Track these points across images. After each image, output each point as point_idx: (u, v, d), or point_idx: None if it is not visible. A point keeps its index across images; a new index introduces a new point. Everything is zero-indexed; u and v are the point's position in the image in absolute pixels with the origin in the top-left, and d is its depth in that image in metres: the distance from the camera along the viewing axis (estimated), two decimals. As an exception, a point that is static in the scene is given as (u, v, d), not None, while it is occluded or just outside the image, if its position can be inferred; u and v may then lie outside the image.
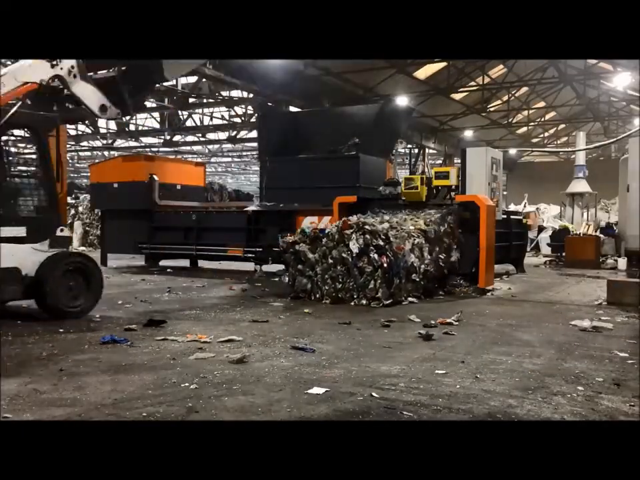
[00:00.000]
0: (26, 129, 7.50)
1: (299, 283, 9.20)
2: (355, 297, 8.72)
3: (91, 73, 7.82)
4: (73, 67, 7.35)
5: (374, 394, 4.23)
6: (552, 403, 4.10)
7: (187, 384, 4.44)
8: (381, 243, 8.76)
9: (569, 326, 7.20)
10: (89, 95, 7.62)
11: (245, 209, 14.45)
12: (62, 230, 7.46)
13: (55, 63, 7.25)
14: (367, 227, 8.97)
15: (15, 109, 6.70)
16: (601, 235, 17.91)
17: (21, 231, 6.97)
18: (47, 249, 7.19)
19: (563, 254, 17.36)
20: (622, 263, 14.89)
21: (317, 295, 8.99)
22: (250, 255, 13.30)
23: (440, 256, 9.92)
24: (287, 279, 9.46)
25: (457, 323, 7.17)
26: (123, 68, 7.89)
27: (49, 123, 7.49)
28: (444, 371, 4.91)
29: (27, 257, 6.98)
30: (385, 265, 8.60)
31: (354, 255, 8.76)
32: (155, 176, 14.19)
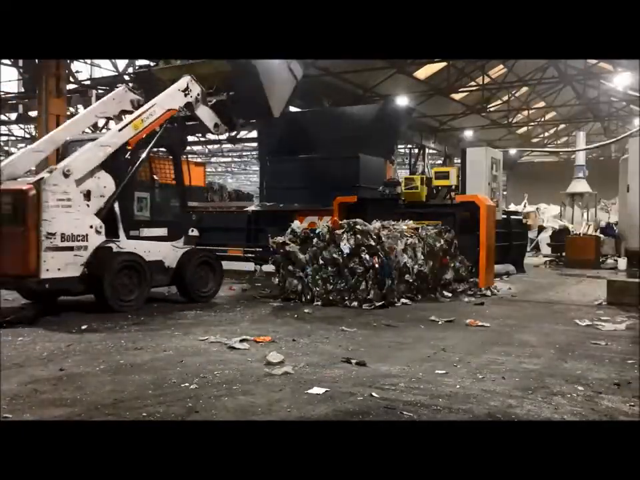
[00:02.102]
0: (167, 149, 9.36)
1: (289, 284, 9.08)
2: (347, 298, 8.58)
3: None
4: (198, 94, 9.17)
5: (374, 394, 4.22)
6: (552, 403, 4.10)
7: (187, 384, 4.44)
8: (373, 243, 8.66)
9: (569, 326, 7.20)
10: (207, 116, 9.45)
11: (245, 209, 14.45)
12: (192, 230, 9.17)
13: (187, 92, 9.01)
14: (358, 226, 8.86)
15: (159, 133, 8.62)
16: (601, 235, 17.92)
17: (163, 232, 8.75)
18: (182, 245, 8.94)
19: (563, 254, 17.36)
20: (622, 263, 14.88)
21: (308, 297, 8.84)
22: (250, 255, 13.29)
23: (434, 271, 9.82)
24: (277, 280, 9.33)
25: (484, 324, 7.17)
26: (231, 93, 9.68)
27: (182, 145, 9.81)
28: (444, 371, 4.91)
29: (169, 252, 8.70)
30: (377, 265, 8.50)
31: (345, 256, 8.63)
32: (154, 176, 14.16)
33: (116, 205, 8.01)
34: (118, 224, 8.02)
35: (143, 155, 8.41)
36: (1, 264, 7.16)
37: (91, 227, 7.65)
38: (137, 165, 8.32)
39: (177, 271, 8.73)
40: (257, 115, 10.67)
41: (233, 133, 27.25)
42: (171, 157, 9.30)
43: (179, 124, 9.29)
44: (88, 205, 7.67)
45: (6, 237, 7.15)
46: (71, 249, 7.39)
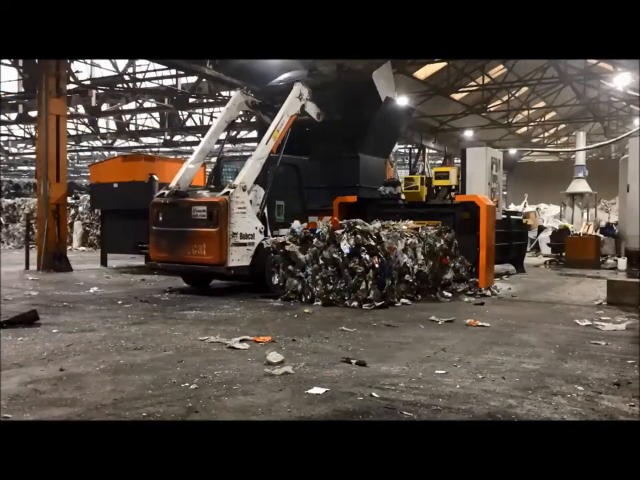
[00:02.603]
0: (293, 167, 11.07)
1: (289, 284, 9.08)
2: (347, 298, 8.58)
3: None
4: (308, 95, 11.27)
5: (374, 394, 4.22)
6: (552, 403, 4.10)
7: (187, 384, 4.44)
8: (373, 243, 8.66)
9: (569, 326, 7.20)
10: (312, 110, 11.55)
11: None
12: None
13: (300, 97, 11.11)
14: (358, 226, 8.86)
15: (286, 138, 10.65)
16: (601, 235, 17.92)
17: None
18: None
19: (563, 254, 17.37)
20: (622, 262, 14.89)
21: (308, 297, 8.84)
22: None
23: (434, 271, 9.81)
24: (277, 280, 9.34)
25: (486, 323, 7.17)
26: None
27: (305, 163, 11.42)
28: (444, 371, 4.91)
29: None
30: (377, 265, 8.49)
31: (345, 256, 8.63)
32: (154, 176, 14.19)
33: (266, 211, 10.16)
34: (267, 225, 10.12)
35: (278, 164, 10.33)
36: (200, 256, 9.46)
37: (256, 227, 9.78)
38: (272, 176, 10.23)
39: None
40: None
41: (231, 135, 27.34)
42: (297, 173, 11.16)
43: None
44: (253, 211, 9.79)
45: (204, 235, 9.43)
46: (244, 244, 9.56)
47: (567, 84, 26.31)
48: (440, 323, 7.27)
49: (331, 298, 8.66)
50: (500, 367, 5.11)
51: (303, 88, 11.13)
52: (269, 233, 10.13)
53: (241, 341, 5.94)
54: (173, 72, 20.47)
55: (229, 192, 9.48)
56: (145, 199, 14.06)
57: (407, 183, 11.69)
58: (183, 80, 21.66)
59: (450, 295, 9.74)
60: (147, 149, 32.37)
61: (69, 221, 21.18)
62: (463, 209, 11.09)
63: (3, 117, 25.45)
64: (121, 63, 20.21)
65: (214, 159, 40.80)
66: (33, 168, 34.35)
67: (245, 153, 35.88)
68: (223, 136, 12.45)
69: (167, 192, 10.28)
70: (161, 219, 10.05)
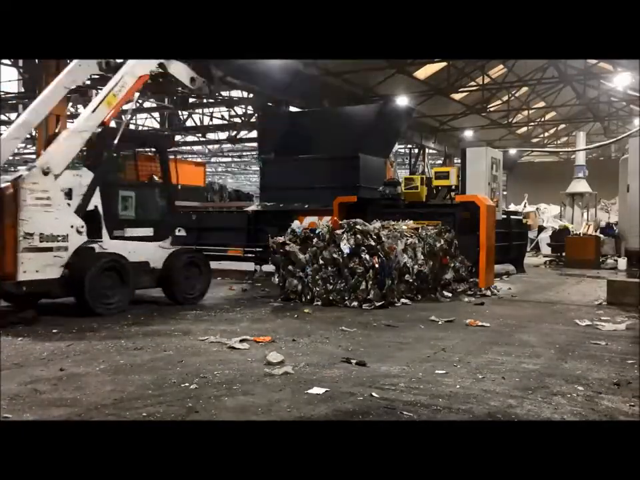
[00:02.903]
0: (153, 147, 9.23)
1: (289, 284, 9.07)
2: (347, 298, 8.58)
3: None
4: None
5: (374, 394, 4.22)
6: (552, 403, 4.10)
7: (187, 384, 4.44)
8: (373, 243, 8.66)
9: (569, 326, 7.20)
10: (181, 72, 8.96)
11: (245, 209, 14.45)
12: (180, 230, 8.93)
13: None
14: (358, 226, 8.86)
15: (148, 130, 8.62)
16: (601, 235, 17.91)
17: (149, 231, 8.54)
18: (169, 246, 8.70)
19: (563, 254, 17.37)
20: (622, 263, 14.89)
21: (308, 297, 8.84)
22: (250, 255, 13.29)
23: (434, 271, 9.81)
24: (277, 280, 9.33)
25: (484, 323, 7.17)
26: None
27: (168, 143, 9.56)
28: (444, 371, 4.91)
29: (155, 253, 8.46)
30: (377, 265, 8.49)
31: (345, 256, 8.63)
32: (154, 176, 14.18)
33: (99, 204, 7.76)
34: (101, 224, 7.79)
35: (115, 141, 7.90)
36: None
37: (72, 226, 7.40)
38: (107, 156, 7.95)
39: (163, 272, 8.49)
40: None
41: (231, 135, 27.34)
42: (158, 155, 9.10)
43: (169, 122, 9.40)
44: (69, 204, 7.43)
45: None
46: (49, 250, 7.15)
47: (567, 84, 26.30)
48: (440, 322, 7.27)
49: (330, 298, 8.67)
50: (500, 367, 5.11)
51: None
52: (106, 234, 7.86)
53: (241, 341, 5.94)
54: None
55: (20, 176, 7.10)
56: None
57: (407, 182, 11.69)
58: (182, 80, 21.61)
59: (450, 295, 9.74)
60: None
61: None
62: (463, 209, 11.09)
63: (3, 117, 25.44)
64: (121, 63, 20.18)
65: (214, 159, 40.56)
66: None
67: (245, 153, 35.93)
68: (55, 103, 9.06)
69: None
70: None
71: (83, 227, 7.50)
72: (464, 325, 7.18)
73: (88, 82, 20.57)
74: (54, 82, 8.27)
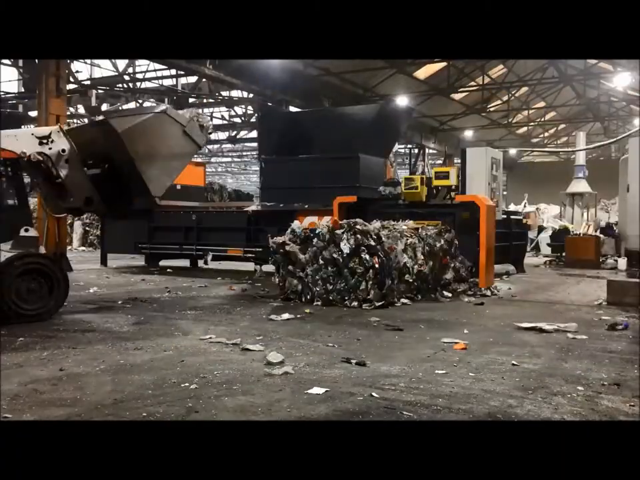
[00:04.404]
0: None
1: (289, 284, 9.06)
2: (347, 298, 8.57)
3: None
4: (64, 151, 7.55)
5: (374, 394, 4.22)
6: (552, 403, 4.10)
7: (187, 384, 4.44)
8: (373, 243, 8.65)
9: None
10: (75, 185, 7.72)
11: (245, 209, 14.45)
12: (27, 230, 7.34)
13: (45, 141, 7.44)
14: (358, 226, 8.85)
15: None
16: (601, 235, 17.92)
17: None
18: (8, 249, 7.08)
19: (563, 254, 17.37)
20: (622, 263, 14.88)
21: (308, 297, 8.83)
22: (250, 255, 13.30)
23: (434, 271, 9.80)
24: (277, 280, 9.31)
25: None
26: (106, 166, 7.98)
27: (15, 120, 7.66)
28: (444, 371, 4.91)
29: None
30: (377, 265, 8.48)
31: (345, 256, 8.62)
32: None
33: None
34: None
35: None
36: None
37: None
38: None
39: None
40: (133, 199, 8.56)
41: (231, 135, 27.33)
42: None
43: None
44: None
45: None
46: None
47: (566, 84, 26.31)
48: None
49: (330, 298, 8.67)
50: (500, 367, 5.11)
51: (57, 135, 7.65)
52: None
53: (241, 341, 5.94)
54: (173, 72, 20.47)
55: None
56: (144, 199, 14.06)
57: (407, 182, 11.69)
58: (183, 80, 21.65)
59: (450, 295, 9.73)
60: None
61: (69, 221, 21.17)
62: (463, 209, 11.09)
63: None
64: (121, 63, 20.21)
65: (214, 159, 40.66)
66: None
67: (244, 153, 35.92)
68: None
69: None
70: None
71: None
72: (464, 324, 7.17)
73: (88, 82, 20.62)
74: None
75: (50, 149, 7.45)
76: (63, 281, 7.41)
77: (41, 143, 7.42)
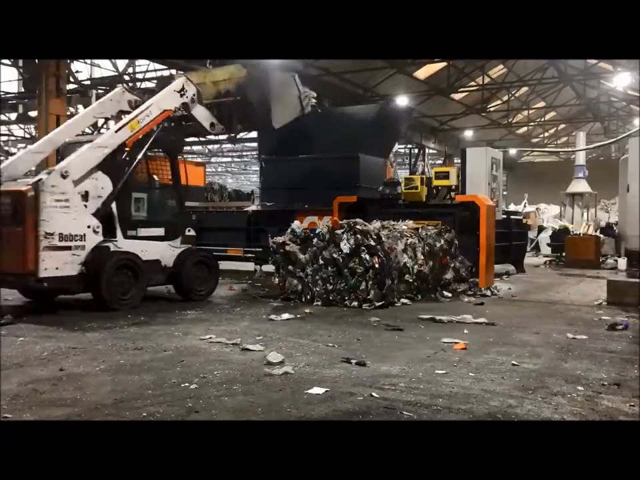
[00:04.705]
0: (163, 150, 9.58)
1: (289, 284, 9.07)
2: (347, 298, 8.57)
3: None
4: (194, 95, 9.41)
5: (374, 394, 4.22)
6: (552, 403, 4.10)
7: (187, 384, 4.44)
8: (373, 243, 8.65)
9: (569, 326, 7.20)
10: (203, 115, 9.61)
11: (245, 209, 14.44)
12: (189, 230, 9.37)
13: (183, 92, 9.25)
14: (358, 226, 8.85)
15: (155, 134, 8.80)
16: (601, 235, 17.92)
17: (160, 231, 9.06)
18: (179, 245, 9.15)
19: (563, 254, 17.37)
20: (622, 263, 14.89)
21: (308, 297, 8.83)
22: (250, 255, 13.29)
23: (434, 271, 9.80)
24: (277, 280, 9.32)
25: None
26: (238, 98, 9.71)
27: (178, 145, 10.17)
28: (444, 371, 4.91)
29: (166, 252, 8.94)
30: (377, 265, 8.48)
31: (345, 256, 8.62)
32: (154, 176, 14.17)
33: (113, 206, 8.18)
34: (115, 224, 8.21)
35: (139, 156, 8.69)
36: (1, 263, 7.37)
37: (89, 226, 7.83)
38: (133, 165, 8.59)
39: (173, 269, 8.93)
40: (258, 123, 11.01)
41: (233, 134, 27.30)
42: (168, 158, 9.60)
43: (175, 124, 9.50)
44: (86, 206, 7.85)
45: (6, 236, 7.36)
46: (68, 248, 7.56)
47: (566, 84, 26.30)
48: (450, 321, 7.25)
49: (330, 298, 8.67)
50: (500, 367, 5.11)
51: (187, 84, 9.34)
52: (119, 234, 8.27)
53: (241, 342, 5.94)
54: (173, 72, 20.46)
55: (40, 179, 7.47)
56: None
57: (407, 182, 11.69)
58: (182, 80, 21.62)
59: (450, 295, 9.73)
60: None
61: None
62: (463, 209, 11.09)
63: (3, 117, 25.43)
64: (121, 63, 20.21)
65: (214, 159, 40.62)
66: (33, 168, 34.29)
67: (244, 153, 35.93)
68: (86, 129, 10.92)
69: None
70: None
71: (98, 227, 7.94)
72: (464, 324, 7.18)
73: (88, 82, 20.62)
74: (86, 110, 9.78)
75: (187, 97, 9.30)
76: (216, 269, 9.68)
77: (181, 96, 9.24)
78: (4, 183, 7.83)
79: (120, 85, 10.66)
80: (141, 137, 8.53)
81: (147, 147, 8.69)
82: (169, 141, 9.48)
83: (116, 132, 8.39)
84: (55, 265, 7.42)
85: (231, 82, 9.78)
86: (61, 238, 7.48)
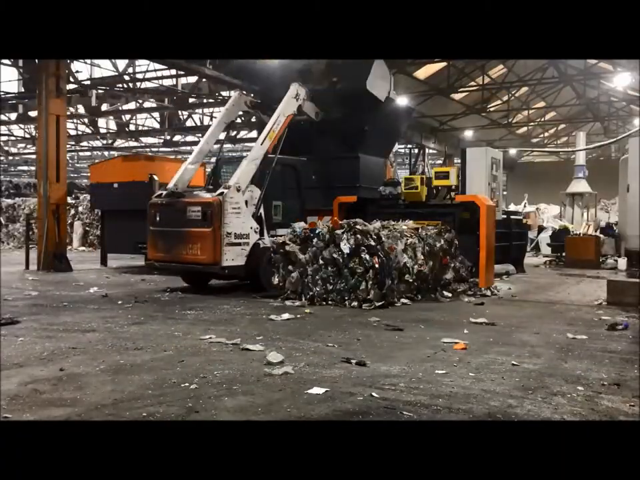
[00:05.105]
0: (291, 168, 11.24)
1: (289, 284, 9.08)
2: (347, 298, 8.57)
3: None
4: (305, 95, 11.29)
5: (374, 394, 4.22)
6: (552, 403, 4.10)
7: (187, 384, 4.44)
8: (373, 243, 8.64)
9: (569, 326, 7.20)
10: (310, 109, 11.66)
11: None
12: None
13: (297, 97, 11.11)
14: (358, 226, 8.84)
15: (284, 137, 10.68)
16: (601, 235, 17.92)
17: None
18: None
19: (563, 254, 17.37)
20: (622, 263, 14.89)
21: (308, 297, 8.83)
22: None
23: (434, 271, 9.79)
24: (277, 280, 9.34)
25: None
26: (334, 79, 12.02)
27: (303, 164, 11.53)
28: (444, 371, 4.91)
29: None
30: (377, 265, 8.47)
31: (345, 256, 8.63)
32: (154, 176, 14.19)
33: (262, 211, 10.13)
34: (263, 226, 10.14)
35: (273, 164, 10.38)
36: (195, 255, 9.62)
37: (251, 227, 9.85)
38: (269, 173, 10.27)
39: None
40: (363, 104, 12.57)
41: (233, 133, 27.32)
42: (295, 174, 11.28)
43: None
44: (248, 212, 9.85)
45: (198, 235, 9.57)
46: (239, 244, 9.65)
47: (566, 84, 26.32)
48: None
49: (331, 298, 8.66)
50: (500, 367, 5.11)
51: (299, 88, 11.14)
52: (266, 233, 10.17)
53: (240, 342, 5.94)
54: (173, 72, 20.48)
55: (223, 192, 9.59)
56: (145, 199, 14.06)
57: (407, 182, 11.69)
58: (183, 80, 21.66)
59: (450, 295, 9.72)
60: (147, 149, 32.39)
61: (69, 221, 21.17)
62: (463, 209, 11.09)
63: (3, 117, 25.44)
64: (121, 63, 20.22)
65: (213, 159, 40.83)
66: (33, 168, 34.39)
67: (244, 154, 35.96)
68: (222, 136, 12.61)
69: (164, 192, 10.48)
70: (158, 219, 10.21)
71: (257, 228, 9.96)
72: (464, 324, 7.18)
73: (88, 82, 20.62)
74: (217, 119, 11.88)
75: (301, 99, 11.26)
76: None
77: (297, 100, 11.17)
78: (192, 194, 10.26)
79: (236, 90, 12.39)
80: (276, 142, 10.42)
81: (276, 157, 10.40)
82: (297, 161, 11.29)
83: (261, 144, 10.27)
84: (232, 257, 9.52)
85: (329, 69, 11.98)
86: (236, 236, 9.61)
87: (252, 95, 12.03)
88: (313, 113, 11.67)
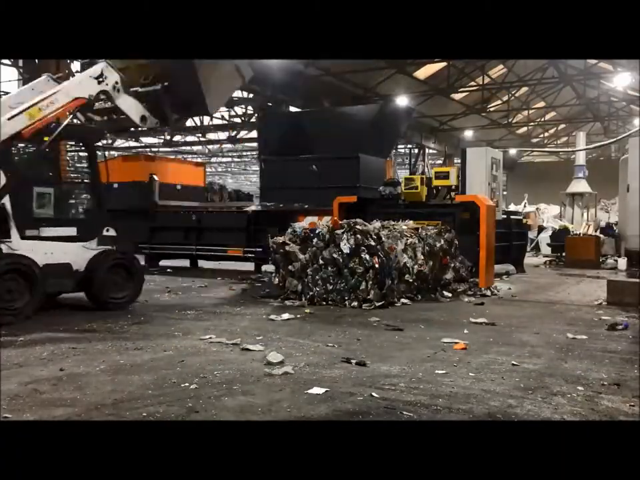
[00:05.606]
0: (78, 141, 8.74)
1: (289, 284, 9.06)
2: (347, 298, 8.56)
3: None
4: (117, 82, 8.09)
5: (374, 394, 4.22)
6: (552, 403, 4.10)
7: (187, 384, 4.44)
8: (373, 243, 8.64)
9: (569, 326, 7.20)
10: (131, 107, 8.35)
11: (245, 209, 14.45)
12: (108, 230, 8.16)
13: (100, 79, 7.94)
14: (358, 226, 8.84)
15: (65, 123, 7.70)
16: (601, 235, 17.92)
17: (72, 231, 7.93)
18: (95, 246, 7.98)
19: (563, 254, 17.37)
20: (622, 263, 14.89)
21: (308, 297, 8.81)
22: (250, 255, 13.29)
23: (434, 271, 9.79)
24: (277, 280, 9.31)
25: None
26: (166, 84, 8.50)
27: (97, 135, 8.79)
28: (444, 371, 4.91)
29: (77, 254, 7.79)
30: (377, 265, 8.47)
31: (345, 256, 8.61)
32: (155, 176, 14.20)
33: (6, 202, 7.06)
34: (9, 222, 7.10)
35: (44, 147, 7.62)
36: None
37: None
38: (33, 157, 7.93)
39: (86, 274, 7.78)
40: (192, 110, 9.60)
41: (231, 135, 27.36)
42: (85, 149, 8.62)
43: (106, 117, 8.72)
44: None
45: None
46: None
47: (566, 84, 26.31)
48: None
49: (331, 298, 8.67)
50: (500, 367, 5.11)
51: (108, 70, 7.99)
52: (15, 234, 7.16)
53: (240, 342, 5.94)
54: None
55: None
56: (145, 198, 14.08)
57: (407, 182, 11.69)
58: (182, 80, 21.61)
59: (450, 295, 9.72)
60: (147, 149, 32.37)
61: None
62: (463, 209, 11.09)
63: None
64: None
65: (214, 159, 40.52)
66: None
67: (244, 153, 35.94)
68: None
69: None
70: None
71: None
72: (464, 324, 7.18)
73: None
74: (1, 99, 8.74)
75: (106, 84, 8.00)
76: (138, 272, 8.43)
77: (99, 82, 7.95)
78: None
79: (45, 73, 8.86)
80: (42, 126, 7.30)
81: (52, 137, 7.47)
82: (84, 130, 8.44)
83: (9, 119, 7.13)
84: None
85: (154, 67, 8.50)
86: None
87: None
88: (135, 115, 8.41)
